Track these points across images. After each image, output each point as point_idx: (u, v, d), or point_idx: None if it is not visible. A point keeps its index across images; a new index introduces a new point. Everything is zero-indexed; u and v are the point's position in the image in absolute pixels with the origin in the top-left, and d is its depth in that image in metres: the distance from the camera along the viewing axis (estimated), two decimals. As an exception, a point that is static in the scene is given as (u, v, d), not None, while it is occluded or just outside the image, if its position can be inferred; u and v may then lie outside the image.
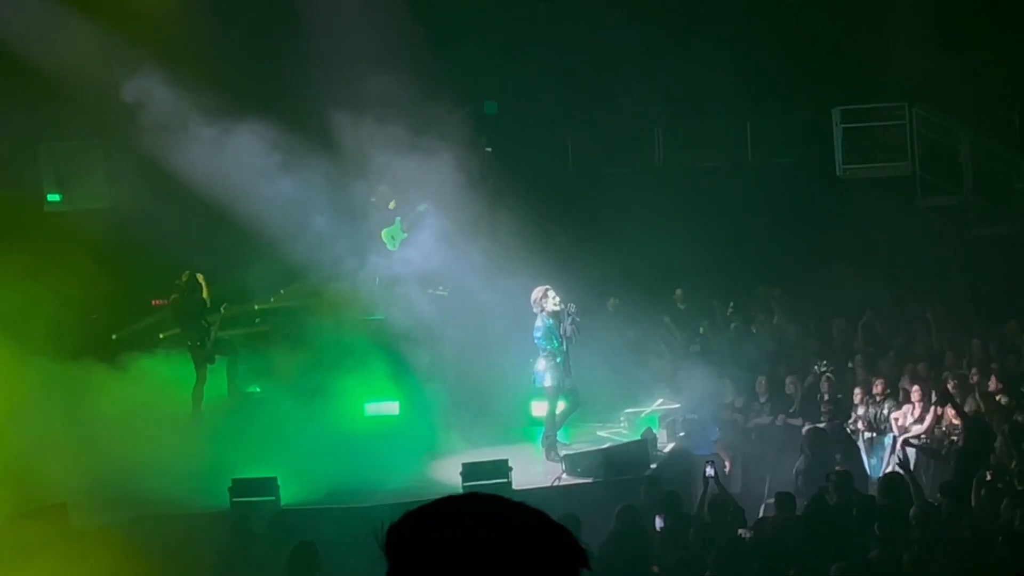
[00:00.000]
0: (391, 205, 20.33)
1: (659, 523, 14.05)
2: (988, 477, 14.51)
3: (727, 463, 19.04)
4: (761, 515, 16.44)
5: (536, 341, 17.51)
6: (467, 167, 19.54)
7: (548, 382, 17.49)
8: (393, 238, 20.18)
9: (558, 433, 18.05)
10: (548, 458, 17.47)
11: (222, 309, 20.76)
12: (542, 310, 17.48)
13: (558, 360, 17.46)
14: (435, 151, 19.30)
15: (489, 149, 23.21)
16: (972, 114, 26.08)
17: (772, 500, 15.46)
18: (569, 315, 17.61)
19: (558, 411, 17.80)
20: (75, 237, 22.69)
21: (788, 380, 20.55)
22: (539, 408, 18.35)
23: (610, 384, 20.12)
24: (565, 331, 17.59)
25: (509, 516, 2.49)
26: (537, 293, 17.55)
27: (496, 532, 2.45)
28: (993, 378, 19.06)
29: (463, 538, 2.43)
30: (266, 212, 19.57)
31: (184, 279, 20.27)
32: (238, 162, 19.60)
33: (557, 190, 24.79)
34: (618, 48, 25.76)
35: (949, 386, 18.61)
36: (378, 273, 20.01)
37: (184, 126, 19.76)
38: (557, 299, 17.50)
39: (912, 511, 13.43)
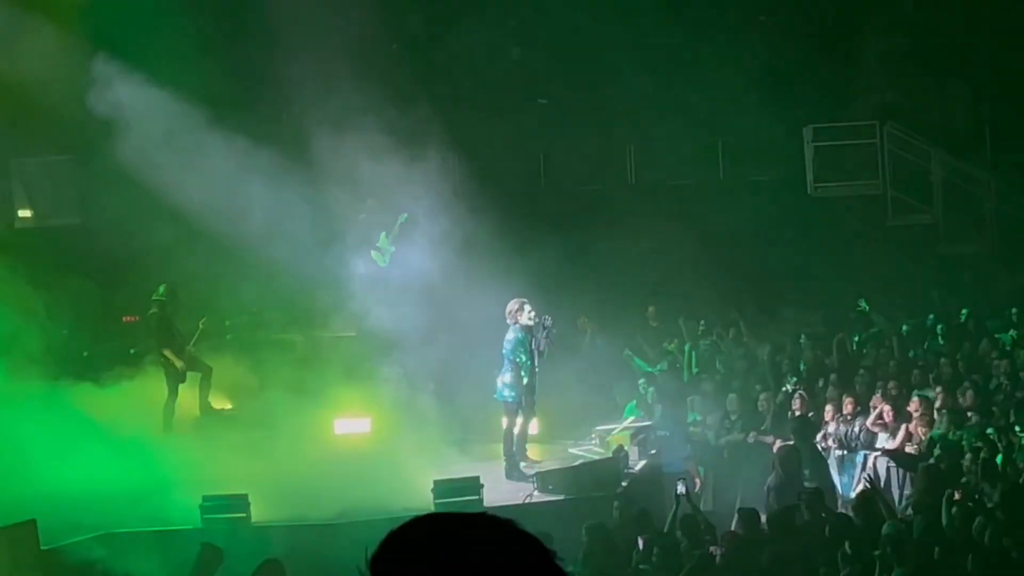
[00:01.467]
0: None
1: (641, 545, 14.05)
2: (956, 496, 14.55)
3: (697, 480, 19.04)
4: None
5: (504, 353, 17.46)
6: (445, 174, 19.54)
7: (509, 397, 17.46)
8: (382, 254, 20.10)
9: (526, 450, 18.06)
10: (510, 477, 17.43)
11: (200, 324, 20.69)
12: (516, 323, 17.43)
13: (523, 375, 17.42)
14: (414, 160, 19.28)
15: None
16: (943, 133, 26.20)
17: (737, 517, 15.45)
18: (545, 328, 17.57)
19: (517, 428, 17.76)
20: (45, 253, 22.67)
21: (760, 397, 20.58)
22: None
23: (582, 401, 20.12)
24: (539, 345, 17.56)
25: (494, 540, 2.47)
26: (513, 305, 17.48)
27: (480, 557, 2.43)
28: (963, 395, 19.12)
29: (447, 564, 2.41)
30: (241, 225, 19.53)
31: (161, 292, 20.21)
32: (212, 174, 19.57)
33: (530, 207, 24.82)
34: (590, 65, 25.81)
35: (913, 408, 18.67)
36: (364, 286, 19.95)
37: (158, 138, 19.71)
38: (532, 313, 17.46)
39: (884, 529, 13.47)
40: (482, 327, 18.44)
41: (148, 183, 19.83)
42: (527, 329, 17.42)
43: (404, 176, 19.27)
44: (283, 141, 19.89)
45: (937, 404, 18.96)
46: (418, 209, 19.67)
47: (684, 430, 19.98)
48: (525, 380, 17.44)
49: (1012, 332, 21.68)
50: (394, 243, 20.02)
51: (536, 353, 17.53)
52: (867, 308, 22.55)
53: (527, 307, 17.43)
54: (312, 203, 19.78)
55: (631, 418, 20.13)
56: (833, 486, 18.03)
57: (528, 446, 18.17)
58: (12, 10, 20.45)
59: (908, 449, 18.30)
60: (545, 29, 26.43)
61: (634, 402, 20.65)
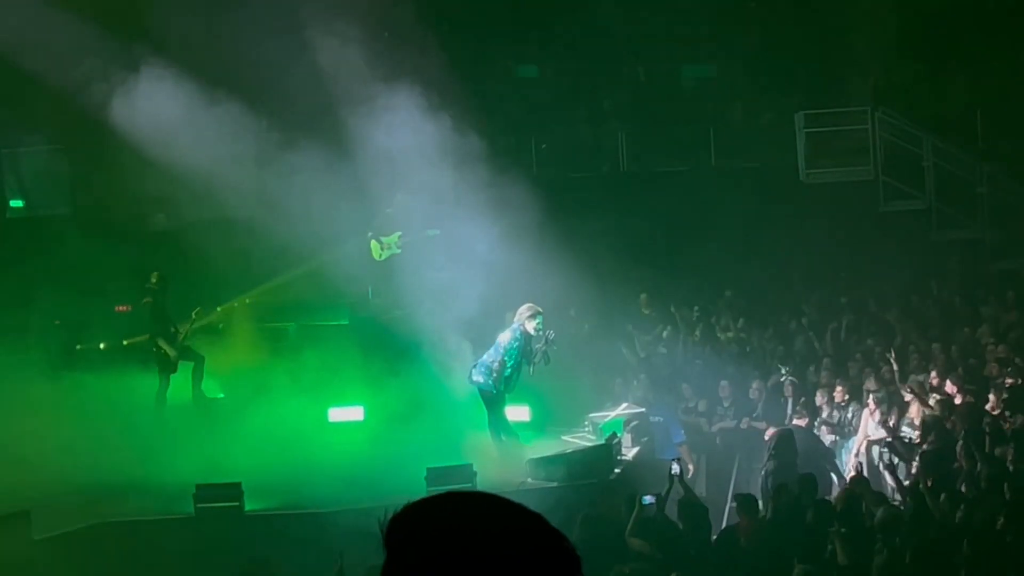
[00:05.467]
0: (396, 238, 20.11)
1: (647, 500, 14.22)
2: (929, 483, 14.59)
3: (691, 466, 19.06)
4: (726, 516, 16.50)
5: (497, 345, 17.50)
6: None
7: (484, 384, 17.46)
8: (383, 249, 20.04)
9: (520, 436, 18.08)
10: (502, 464, 17.42)
11: (193, 314, 20.64)
12: (520, 325, 17.49)
13: (506, 371, 17.45)
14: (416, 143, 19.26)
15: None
16: (935, 118, 26.20)
17: (735, 504, 15.48)
18: (548, 341, 17.61)
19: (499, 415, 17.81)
20: (38, 243, 22.63)
21: (754, 385, 20.60)
22: (513, 412, 18.32)
23: (574, 389, 20.13)
24: (535, 355, 17.58)
25: (509, 517, 2.52)
26: (525, 311, 17.52)
27: (495, 532, 2.47)
28: (956, 380, 19.16)
29: (462, 535, 2.46)
30: (237, 212, 19.51)
31: (154, 280, 20.20)
32: (210, 159, 19.57)
33: (521, 195, 24.77)
34: (580, 53, 25.80)
35: (906, 392, 18.72)
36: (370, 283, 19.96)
37: (158, 121, 19.68)
38: (540, 327, 17.52)
39: (877, 514, 13.50)
40: (470, 314, 18.51)
41: (143, 169, 19.78)
42: (527, 335, 17.48)
43: (393, 168, 19.26)
44: (287, 125, 19.84)
45: (930, 389, 19.01)
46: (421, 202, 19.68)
47: (678, 416, 19.98)
48: (506, 375, 17.47)
49: (1004, 316, 21.75)
50: (404, 248, 19.97)
51: (527, 359, 17.56)
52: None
53: (538, 318, 17.49)
54: (312, 189, 19.76)
55: (624, 404, 20.15)
56: (828, 472, 18.07)
57: (519, 432, 18.21)
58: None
59: (903, 434, 18.35)
60: (536, 17, 26.41)
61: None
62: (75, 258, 22.17)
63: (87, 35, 19.94)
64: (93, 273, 21.89)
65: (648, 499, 14.96)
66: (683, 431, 19.56)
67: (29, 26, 19.87)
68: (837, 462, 18.85)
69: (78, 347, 21.80)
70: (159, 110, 19.64)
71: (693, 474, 19.22)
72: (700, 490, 18.52)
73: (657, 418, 19.58)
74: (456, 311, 18.99)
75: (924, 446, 17.24)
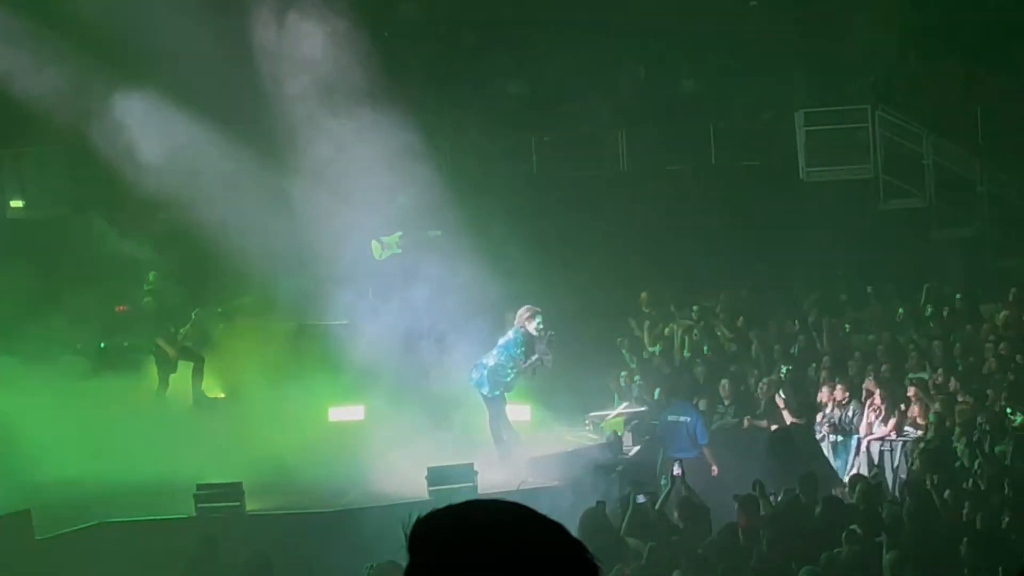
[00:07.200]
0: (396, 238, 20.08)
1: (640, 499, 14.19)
2: (935, 480, 14.60)
3: (714, 467, 18.94)
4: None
5: (498, 347, 17.52)
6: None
7: (486, 389, 17.49)
8: (383, 249, 20.05)
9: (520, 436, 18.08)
10: (503, 463, 17.42)
11: (193, 314, 20.63)
12: (521, 326, 17.52)
13: (508, 373, 17.47)
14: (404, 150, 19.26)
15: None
16: (934, 117, 26.16)
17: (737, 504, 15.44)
18: (549, 340, 17.62)
19: (499, 416, 17.80)
20: (38, 243, 22.64)
21: (762, 383, 20.56)
22: (514, 412, 18.32)
23: (575, 388, 20.13)
24: (542, 354, 17.58)
25: (530, 526, 2.58)
26: (525, 312, 17.59)
27: (516, 541, 2.54)
28: (956, 378, 19.17)
29: (484, 542, 2.52)
30: (232, 212, 19.50)
31: (152, 280, 20.19)
32: (203, 163, 19.59)
33: (521, 193, 24.79)
34: (580, 52, 25.78)
35: (910, 391, 18.73)
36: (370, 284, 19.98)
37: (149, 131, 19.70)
38: (541, 326, 17.54)
39: (881, 512, 13.53)
40: (471, 313, 18.52)
41: (139, 174, 19.80)
42: (529, 336, 17.51)
43: (393, 167, 19.25)
44: (286, 127, 19.85)
45: (931, 387, 19.02)
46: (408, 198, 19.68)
47: (704, 417, 19.70)
48: (508, 379, 17.50)
49: (1003, 313, 21.74)
50: (403, 248, 19.97)
51: (530, 360, 17.56)
52: None
53: (538, 318, 17.53)
54: (312, 190, 19.77)
55: (625, 404, 20.14)
56: (829, 470, 18.06)
57: (521, 433, 18.21)
58: (5, 5, 20.45)
59: (905, 432, 18.36)
60: (537, 16, 26.41)
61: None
62: (75, 258, 22.18)
63: (77, 59, 20.06)
64: (94, 273, 21.89)
65: (641, 499, 14.98)
66: (707, 433, 19.36)
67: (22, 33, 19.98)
68: (837, 460, 18.85)
69: (78, 346, 21.81)
70: (157, 121, 19.74)
71: (719, 475, 19.00)
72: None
73: (685, 418, 19.34)
74: (457, 311, 18.99)
75: (923, 444, 17.26)
